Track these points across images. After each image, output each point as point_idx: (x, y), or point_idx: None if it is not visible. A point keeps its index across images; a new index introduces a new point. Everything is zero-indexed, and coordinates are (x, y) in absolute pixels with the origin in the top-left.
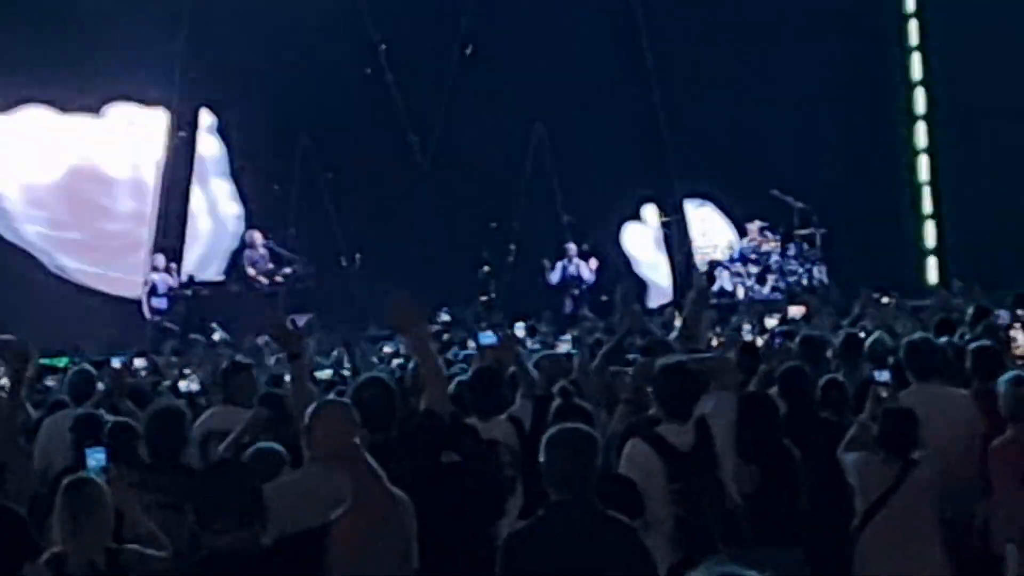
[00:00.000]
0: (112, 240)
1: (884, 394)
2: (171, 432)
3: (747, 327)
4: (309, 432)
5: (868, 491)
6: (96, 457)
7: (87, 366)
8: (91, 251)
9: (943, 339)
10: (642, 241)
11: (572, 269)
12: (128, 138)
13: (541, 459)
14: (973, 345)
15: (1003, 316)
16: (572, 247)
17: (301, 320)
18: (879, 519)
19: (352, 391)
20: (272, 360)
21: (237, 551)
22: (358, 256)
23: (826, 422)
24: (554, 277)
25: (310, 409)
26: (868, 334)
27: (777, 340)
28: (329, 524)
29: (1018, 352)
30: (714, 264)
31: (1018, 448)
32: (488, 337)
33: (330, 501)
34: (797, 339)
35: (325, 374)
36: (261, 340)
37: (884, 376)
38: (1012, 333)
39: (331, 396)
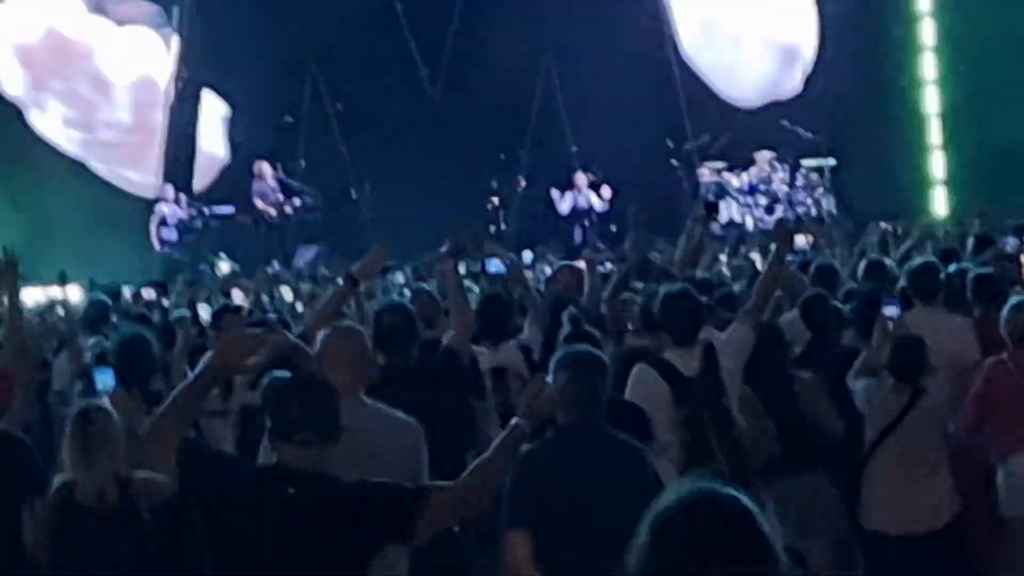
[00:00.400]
0: (110, 148)
1: (891, 325)
2: (138, 359)
3: (756, 256)
4: (321, 358)
5: (877, 418)
6: (103, 378)
7: (101, 295)
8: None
9: (951, 267)
10: None
11: (582, 200)
12: (136, 55)
13: (550, 381)
14: (973, 273)
15: (1010, 243)
16: (582, 177)
17: (310, 252)
18: (887, 445)
19: (374, 316)
20: (286, 291)
21: (313, 474)
22: (367, 187)
23: (849, 350)
24: (563, 207)
25: (322, 335)
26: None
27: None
28: (434, 490)
29: None
30: (719, 194)
31: (1009, 369)
32: (496, 265)
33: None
34: (812, 267)
35: None
36: (271, 270)
37: (892, 310)
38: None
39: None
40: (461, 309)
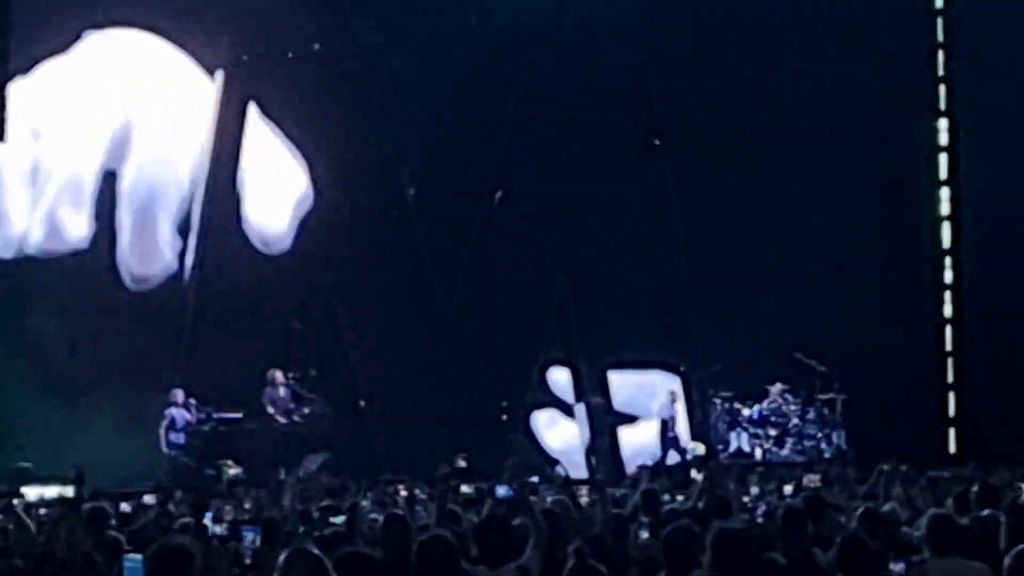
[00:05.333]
0: None
1: None
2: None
3: (756, 491)
4: None
5: None
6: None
7: (102, 504)
8: None
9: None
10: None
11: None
12: None
13: None
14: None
15: None
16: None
17: (316, 460)
18: None
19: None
20: (288, 499)
21: None
22: (377, 400)
23: None
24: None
25: (283, 556)
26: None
27: None
28: None
29: None
30: (730, 424)
31: None
32: (504, 490)
33: None
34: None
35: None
36: (281, 476)
37: (899, 568)
38: None
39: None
40: None
